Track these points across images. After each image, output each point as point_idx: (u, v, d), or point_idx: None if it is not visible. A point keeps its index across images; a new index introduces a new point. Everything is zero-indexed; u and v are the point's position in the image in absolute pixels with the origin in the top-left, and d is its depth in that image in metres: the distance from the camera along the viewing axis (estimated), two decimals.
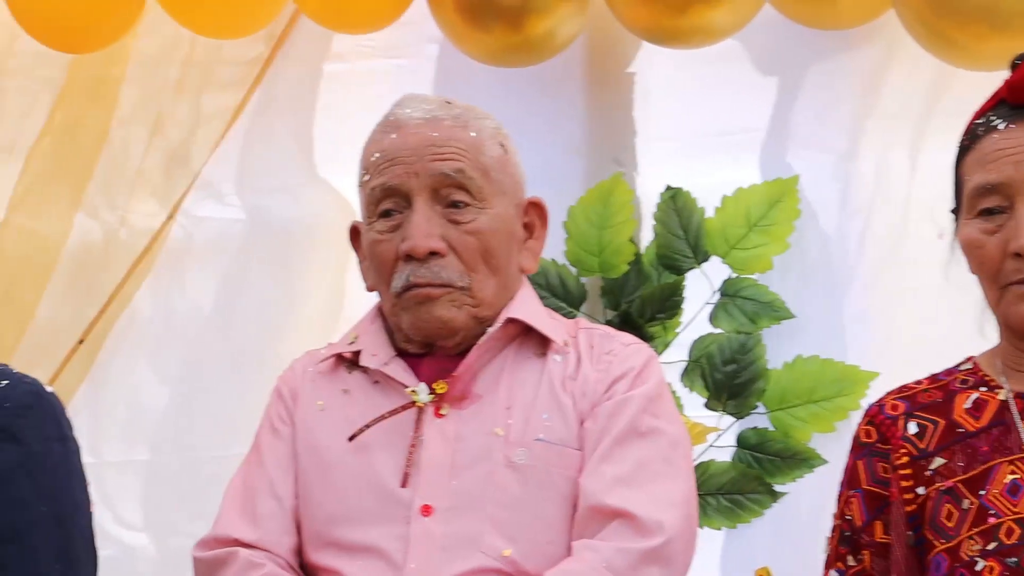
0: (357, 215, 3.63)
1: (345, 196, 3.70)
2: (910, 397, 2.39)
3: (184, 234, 3.75)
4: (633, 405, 2.42)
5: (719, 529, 3.50)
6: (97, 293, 3.69)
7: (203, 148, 3.72)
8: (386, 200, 2.48)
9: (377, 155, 2.50)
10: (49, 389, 2.35)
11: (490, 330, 2.48)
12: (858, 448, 2.40)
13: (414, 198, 2.46)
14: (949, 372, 2.42)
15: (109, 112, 3.72)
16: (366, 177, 2.52)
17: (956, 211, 2.37)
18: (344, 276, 3.68)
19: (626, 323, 3.52)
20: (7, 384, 2.31)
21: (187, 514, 3.64)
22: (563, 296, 3.59)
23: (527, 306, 2.52)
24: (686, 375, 3.55)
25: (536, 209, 2.58)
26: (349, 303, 3.65)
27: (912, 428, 2.35)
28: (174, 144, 3.72)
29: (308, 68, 3.75)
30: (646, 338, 3.47)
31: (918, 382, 2.42)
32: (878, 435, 2.38)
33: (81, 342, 3.66)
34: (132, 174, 3.72)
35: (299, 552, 2.47)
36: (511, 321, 2.49)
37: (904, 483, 2.33)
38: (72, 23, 3.59)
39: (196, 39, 3.71)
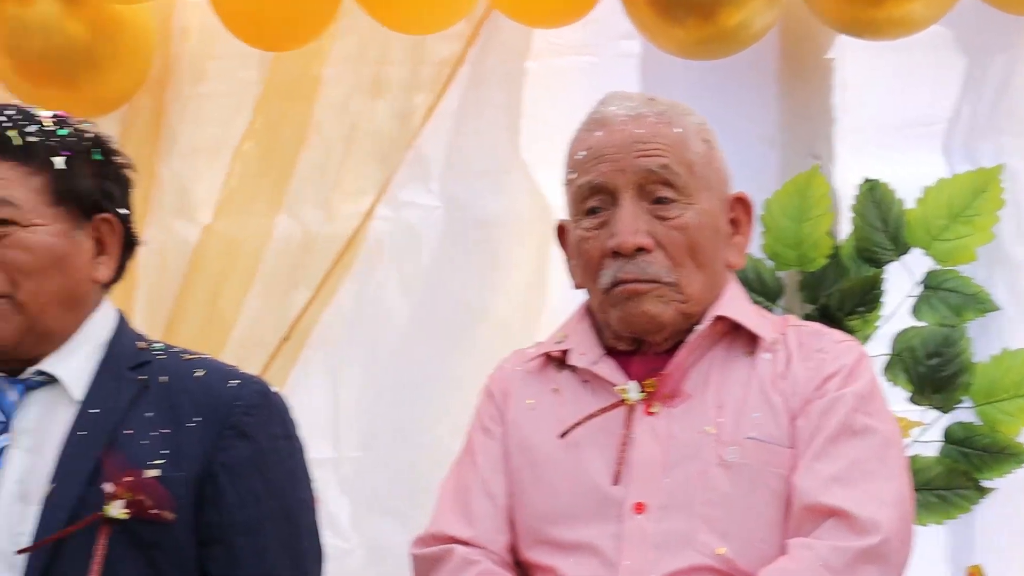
0: (556, 212, 3.67)
1: (543, 192, 3.73)
2: None
3: (383, 232, 3.81)
4: (846, 403, 2.40)
5: (925, 525, 3.46)
6: (300, 291, 3.75)
7: (401, 145, 3.77)
8: (592, 198, 2.49)
9: (583, 153, 2.51)
10: (274, 389, 2.42)
11: (698, 328, 2.47)
12: None
13: (620, 195, 2.47)
14: None
15: (308, 113, 3.79)
16: (572, 175, 2.53)
17: None
18: (545, 273, 3.70)
19: (824, 317, 3.49)
20: (238, 384, 2.39)
21: (390, 507, 3.70)
22: (759, 290, 3.57)
23: (736, 303, 2.51)
24: (888, 369, 3.51)
25: (742, 204, 2.57)
26: (552, 299, 3.67)
27: None
28: (372, 143, 3.78)
29: (509, 66, 3.79)
30: (845, 332, 3.43)
31: None
32: None
33: (286, 340, 3.73)
34: (332, 174, 3.79)
35: (513, 549, 2.49)
36: (720, 319, 2.49)
37: None
38: (272, 20, 3.66)
39: (392, 38, 3.76)
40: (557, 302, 3.63)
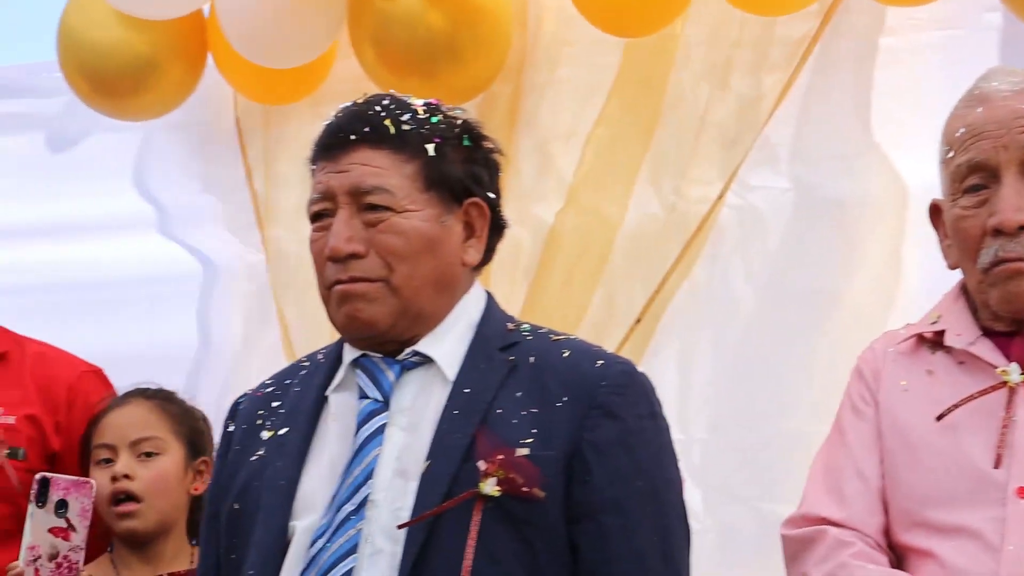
0: (911, 192, 3.58)
1: (898, 171, 3.65)
2: None
3: (732, 216, 3.78)
4: None
5: None
6: (652, 274, 3.77)
7: (753, 127, 3.74)
8: (972, 176, 2.44)
9: (962, 130, 2.46)
10: (640, 369, 2.43)
11: None
12: None
13: (1002, 172, 2.41)
14: None
15: (660, 97, 3.80)
16: (950, 154, 2.48)
17: None
18: (900, 255, 3.63)
19: None
20: (603, 364, 2.41)
21: (739, 491, 3.68)
22: None
23: None
24: None
25: None
26: (907, 282, 3.59)
27: None
28: (725, 124, 3.76)
29: (863, 43, 3.72)
30: None
31: None
32: None
33: (638, 322, 3.75)
34: (683, 158, 3.79)
35: (886, 531, 2.46)
36: None
37: None
38: (626, 6, 3.68)
39: (746, 20, 3.73)
40: (912, 285, 3.56)
